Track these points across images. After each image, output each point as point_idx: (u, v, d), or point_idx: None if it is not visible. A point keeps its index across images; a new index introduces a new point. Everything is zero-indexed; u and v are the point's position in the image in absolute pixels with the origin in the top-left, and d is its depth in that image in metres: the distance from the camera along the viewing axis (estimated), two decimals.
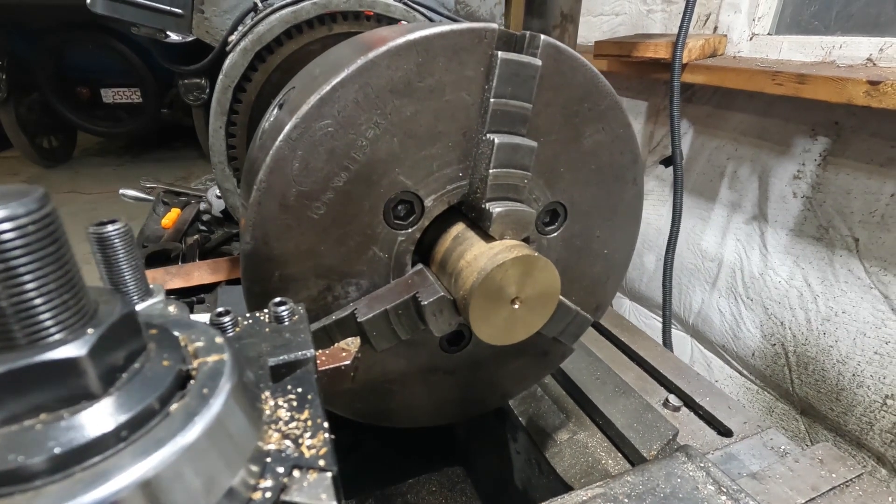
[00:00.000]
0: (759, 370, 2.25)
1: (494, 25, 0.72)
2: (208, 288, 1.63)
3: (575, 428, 1.22)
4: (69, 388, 0.28)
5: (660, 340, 2.27)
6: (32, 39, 5.67)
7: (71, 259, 0.29)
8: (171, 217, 2.10)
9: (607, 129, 0.86)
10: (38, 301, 0.27)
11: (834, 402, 1.98)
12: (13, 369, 0.26)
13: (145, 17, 1.25)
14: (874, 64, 1.77)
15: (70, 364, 0.27)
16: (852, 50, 1.84)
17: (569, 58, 0.78)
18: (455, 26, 0.71)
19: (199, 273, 1.66)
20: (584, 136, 0.85)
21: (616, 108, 0.85)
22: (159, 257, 1.80)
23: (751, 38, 2.20)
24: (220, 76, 1.26)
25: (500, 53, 0.72)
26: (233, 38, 1.28)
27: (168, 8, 1.25)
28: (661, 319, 2.53)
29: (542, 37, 0.74)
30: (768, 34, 2.18)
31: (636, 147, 0.91)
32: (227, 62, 1.25)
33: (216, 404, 0.31)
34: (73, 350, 0.27)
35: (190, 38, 1.42)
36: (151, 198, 2.34)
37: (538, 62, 0.74)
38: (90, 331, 0.29)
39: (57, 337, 0.28)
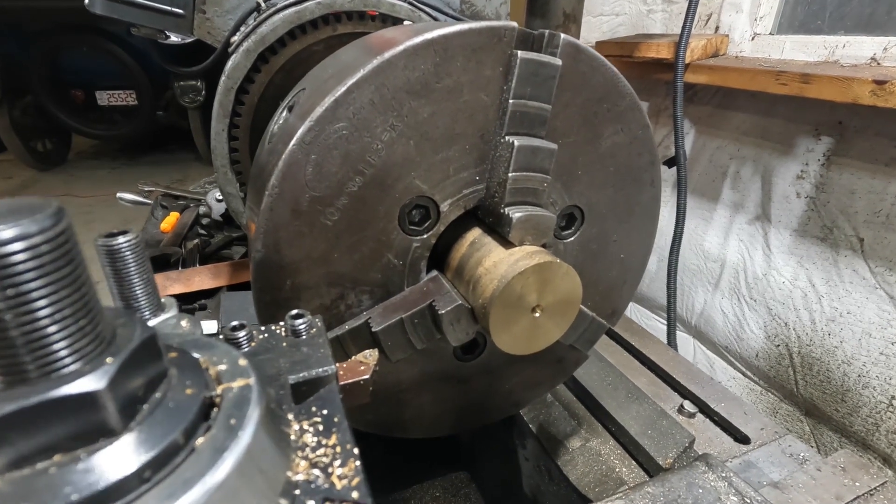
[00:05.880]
0: (763, 371, 2.24)
1: (514, 24, 0.70)
2: (209, 293, 1.60)
3: (587, 435, 1.19)
4: (86, 425, 0.24)
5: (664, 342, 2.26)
6: (26, 42, 5.61)
7: (87, 280, 0.26)
8: (169, 221, 2.06)
9: (626, 131, 0.84)
10: (51, 329, 0.24)
11: (839, 403, 1.97)
12: (25, 407, 0.23)
13: (145, 18, 1.21)
14: (878, 63, 1.75)
15: (88, 399, 0.24)
16: (856, 49, 1.83)
17: (588, 57, 0.76)
18: (474, 24, 0.68)
19: (199, 278, 1.62)
20: (603, 137, 0.83)
21: (635, 109, 0.83)
22: (159, 262, 1.76)
23: (753, 38, 2.19)
24: (223, 78, 1.22)
25: (519, 53, 0.70)
26: (235, 38, 1.25)
27: (169, 8, 1.22)
28: (663, 320, 2.51)
29: (563, 35, 0.72)
30: (770, 34, 2.16)
31: (654, 148, 0.89)
32: (230, 63, 1.22)
33: (245, 437, 0.29)
34: (91, 383, 0.24)
35: (190, 39, 1.38)
36: (150, 201, 2.29)
37: (558, 62, 0.72)
38: (109, 360, 0.25)
39: (73, 368, 0.25)
